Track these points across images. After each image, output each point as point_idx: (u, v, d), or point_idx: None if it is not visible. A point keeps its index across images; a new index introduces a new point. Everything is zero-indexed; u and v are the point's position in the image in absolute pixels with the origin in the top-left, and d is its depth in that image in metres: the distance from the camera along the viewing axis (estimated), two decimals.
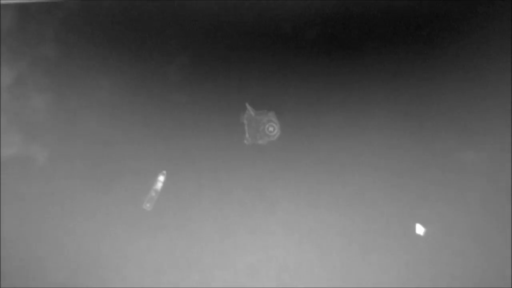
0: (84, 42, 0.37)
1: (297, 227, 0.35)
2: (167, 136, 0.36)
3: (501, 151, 0.36)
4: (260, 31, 0.35)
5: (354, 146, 0.35)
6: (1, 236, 0.37)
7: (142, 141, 0.36)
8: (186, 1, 0.36)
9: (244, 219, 0.35)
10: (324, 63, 0.35)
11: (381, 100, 0.35)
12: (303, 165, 0.35)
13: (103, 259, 0.36)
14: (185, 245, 0.36)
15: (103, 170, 0.37)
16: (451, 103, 0.35)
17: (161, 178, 0.36)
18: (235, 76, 0.35)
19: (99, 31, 0.37)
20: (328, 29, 0.35)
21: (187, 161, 0.36)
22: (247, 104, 0.35)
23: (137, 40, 0.36)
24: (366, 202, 0.35)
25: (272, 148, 0.35)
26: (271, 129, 0.35)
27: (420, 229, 0.36)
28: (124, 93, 0.36)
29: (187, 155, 0.36)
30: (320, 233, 0.35)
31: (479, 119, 0.36)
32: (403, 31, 0.35)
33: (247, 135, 0.35)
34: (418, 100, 0.35)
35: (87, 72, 0.37)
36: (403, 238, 0.35)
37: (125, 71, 0.36)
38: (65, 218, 0.37)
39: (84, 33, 0.37)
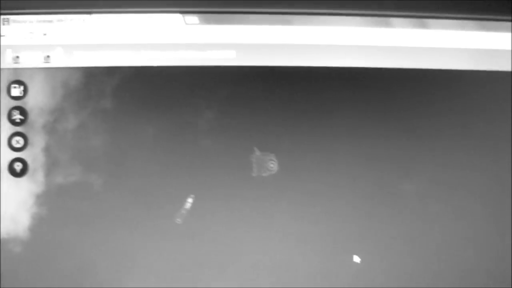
0: (135, 98, 0.50)
1: (288, 235, 0.49)
2: (196, 170, 0.49)
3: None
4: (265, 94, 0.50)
5: (328, 180, 0.49)
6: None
7: (176, 173, 0.49)
8: (213, 70, 0.50)
9: (249, 228, 0.49)
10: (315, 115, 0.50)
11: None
12: (293, 190, 0.49)
13: (142, 262, 0.48)
14: (205, 248, 0.49)
15: (144, 193, 0.49)
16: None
17: (190, 200, 0.49)
18: (248, 127, 0.49)
19: (147, 90, 0.50)
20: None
21: (210, 187, 0.49)
22: (254, 148, 0.49)
23: (174, 97, 0.50)
24: (335, 218, 0.50)
25: (271, 179, 0.49)
26: (271, 165, 0.49)
27: (356, 259, 0.49)
28: (164, 138, 0.49)
29: (210, 183, 0.49)
30: (302, 241, 0.49)
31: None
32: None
33: (254, 170, 0.49)
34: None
35: (136, 121, 0.49)
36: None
37: (165, 122, 0.49)
38: (114, 230, 0.49)
39: (135, 91, 0.50)
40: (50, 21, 0.48)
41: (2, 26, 0.49)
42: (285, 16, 0.49)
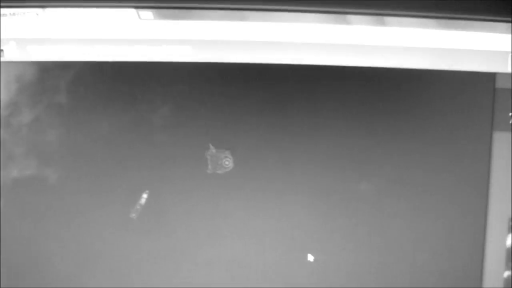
0: (89, 92, 0.49)
1: (242, 231, 0.50)
2: (151, 165, 0.49)
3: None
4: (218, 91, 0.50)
5: (282, 177, 0.50)
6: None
7: (132, 169, 0.50)
8: (169, 65, 0.50)
9: (204, 223, 0.50)
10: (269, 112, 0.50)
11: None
12: (249, 188, 0.50)
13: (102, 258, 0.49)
14: (160, 242, 0.50)
15: (99, 188, 0.50)
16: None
17: (145, 195, 0.50)
18: (203, 123, 0.49)
19: (101, 85, 0.50)
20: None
21: (165, 183, 0.50)
22: (210, 144, 0.50)
23: (129, 92, 0.50)
24: (289, 216, 0.51)
25: (227, 176, 0.50)
26: (227, 162, 0.50)
27: (310, 258, 0.50)
28: (119, 133, 0.49)
29: (165, 179, 0.49)
30: (256, 237, 0.50)
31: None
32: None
33: (209, 166, 0.50)
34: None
35: (91, 116, 0.49)
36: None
37: (120, 117, 0.49)
38: (69, 223, 0.50)
39: (89, 85, 0.50)
40: (4, 15, 0.48)
41: None
42: (242, 12, 0.49)
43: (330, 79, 0.49)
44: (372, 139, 0.49)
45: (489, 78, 0.49)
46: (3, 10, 0.48)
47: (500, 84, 0.49)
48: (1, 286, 0.48)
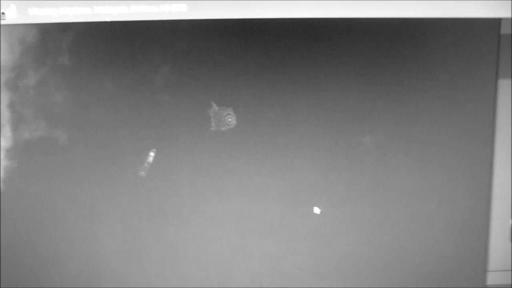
0: (91, 53, 0.50)
1: (247, 187, 0.51)
2: (155, 124, 0.50)
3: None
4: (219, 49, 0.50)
5: (287, 132, 0.51)
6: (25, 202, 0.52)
7: (137, 128, 0.51)
8: (167, 24, 0.50)
9: (210, 180, 0.51)
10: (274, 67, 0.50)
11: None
12: (253, 144, 0.51)
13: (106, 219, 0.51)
14: (169, 199, 0.52)
15: (108, 148, 0.51)
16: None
17: (152, 153, 0.51)
18: (204, 81, 0.49)
19: (103, 46, 0.50)
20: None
21: (171, 141, 0.51)
22: (212, 102, 0.50)
23: (131, 53, 0.50)
24: (294, 170, 0.52)
25: (230, 133, 0.51)
26: (229, 119, 0.51)
27: (316, 210, 0.51)
28: (122, 93, 0.50)
29: (170, 137, 0.50)
30: (261, 192, 0.52)
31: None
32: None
33: (213, 124, 0.50)
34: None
35: (95, 77, 0.50)
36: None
37: (123, 76, 0.50)
38: (81, 181, 0.52)
39: (91, 47, 0.50)
40: None
41: None
42: None
43: (330, 32, 0.48)
44: (375, 91, 0.49)
45: (494, 24, 0.47)
46: None
47: (505, 30, 0.47)
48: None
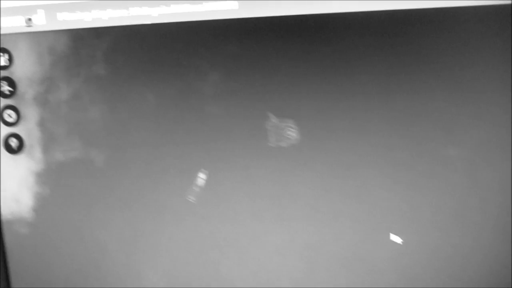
0: (130, 62, 0.43)
1: (315, 212, 0.44)
2: (205, 141, 0.43)
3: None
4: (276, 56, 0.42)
5: (358, 147, 0.43)
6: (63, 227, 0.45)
7: (184, 145, 0.44)
8: (216, 24, 0.43)
9: (271, 205, 0.44)
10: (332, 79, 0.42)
11: (382, 104, 0.43)
12: (318, 162, 0.43)
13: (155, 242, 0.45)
14: (223, 228, 0.45)
15: (151, 169, 0.45)
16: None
17: (202, 175, 0.44)
18: (260, 89, 0.42)
19: (142, 52, 0.43)
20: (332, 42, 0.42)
21: (223, 160, 0.44)
22: (270, 114, 0.43)
23: (174, 59, 0.43)
24: (369, 193, 0.44)
25: (291, 149, 0.43)
26: (290, 133, 0.43)
27: (396, 239, 0.44)
28: (167, 105, 0.43)
29: (222, 155, 0.44)
30: (331, 218, 0.44)
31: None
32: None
33: (271, 139, 0.43)
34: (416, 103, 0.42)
35: (134, 88, 0.44)
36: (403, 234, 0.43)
37: (166, 87, 0.43)
38: (122, 208, 0.45)
39: (129, 54, 0.44)
40: None
41: None
42: None
43: (406, 27, 0.40)
44: (459, 98, 0.41)
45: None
46: None
47: None
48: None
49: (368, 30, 0.40)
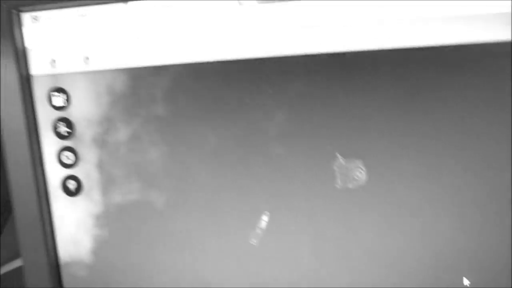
0: (191, 101, 0.42)
1: (381, 257, 0.41)
2: (268, 182, 0.41)
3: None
4: (346, 89, 0.40)
5: (428, 190, 0.40)
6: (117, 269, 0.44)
7: (246, 187, 0.42)
8: (282, 61, 0.41)
9: (335, 249, 0.42)
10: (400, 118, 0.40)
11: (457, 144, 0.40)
12: (388, 205, 0.41)
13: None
14: (286, 272, 0.43)
15: (212, 212, 0.43)
16: None
17: (265, 217, 0.42)
18: (327, 128, 0.40)
19: (204, 91, 0.42)
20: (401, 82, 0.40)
21: (287, 202, 0.42)
22: (337, 153, 0.41)
23: (236, 97, 0.42)
24: (438, 235, 0.41)
25: (360, 191, 0.41)
26: (359, 174, 0.41)
27: (466, 282, 0.41)
28: (229, 146, 0.42)
29: (286, 197, 0.42)
30: (398, 262, 0.41)
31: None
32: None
33: (338, 180, 0.41)
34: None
35: (195, 128, 0.42)
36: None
37: (228, 127, 0.42)
38: (182, 252, 0.44)
39: (191, 93, 0.42)
40: (84, 15, 0.40)
41: (31, 25, 0.41)
42: None
43: (474, 61, 0.37)
44: None
45: None
46: (83, 10, 0.40)
47: None
48: None
49: (446, 66, 0.37)
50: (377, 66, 0.38)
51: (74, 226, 0.43)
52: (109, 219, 0.43)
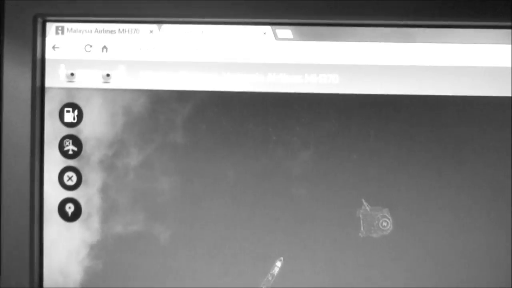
0: (212, 132, 0.40)
1: None
2: (287, 226, 0.39)
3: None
4: (375, 133, 0.39)
5: (457, 242, 0.38)
6: None
7: (261, 228, 0.39)
8: (313, 98, 0.39)
9: None
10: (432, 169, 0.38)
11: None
12: (413, 257, 0.38)
13: None
14: None
15: (222, 253, 0.39)
16: None
17: (279, 263, 0.39)
18: (354, 173, 0.38)
19: (228, 122, 0.40)
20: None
21: (305, 249, 0.39)
22: (363, 200, 0.38)
23: (262, 132, 0.40)
24: None
25: (385, 241, 0.38)
26: (384, 224, 0.38)
27: None
28: (247, 183, 0.39)
29: (305, 243, 0.39)
30: None
31: None
32: None
33: (362, 229, 0.38)
34: None
35: (213, 160, 0.40)
36: None
37: (249, 162, 0.39)
38: None
39: (213, 123, 0.40)
40: (112, 32, 0.39)
41: (55, 36, 0.39)
42: (405, 30, 0.37)
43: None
44: None
45: None
46: (111, 26, 0.39)
47: None
48: None
49: (481, 118, 0.37)
50: (411, 112, 0.37)
51: (65, 255, 0.39)
52: (105, 251, 0.39)
